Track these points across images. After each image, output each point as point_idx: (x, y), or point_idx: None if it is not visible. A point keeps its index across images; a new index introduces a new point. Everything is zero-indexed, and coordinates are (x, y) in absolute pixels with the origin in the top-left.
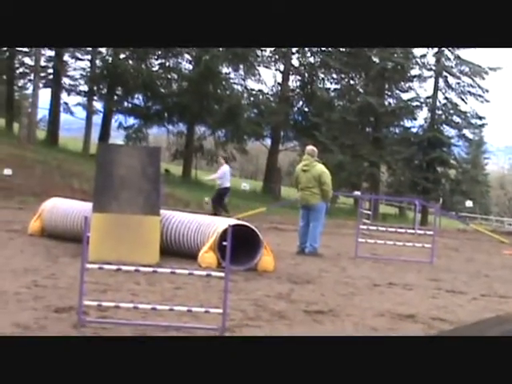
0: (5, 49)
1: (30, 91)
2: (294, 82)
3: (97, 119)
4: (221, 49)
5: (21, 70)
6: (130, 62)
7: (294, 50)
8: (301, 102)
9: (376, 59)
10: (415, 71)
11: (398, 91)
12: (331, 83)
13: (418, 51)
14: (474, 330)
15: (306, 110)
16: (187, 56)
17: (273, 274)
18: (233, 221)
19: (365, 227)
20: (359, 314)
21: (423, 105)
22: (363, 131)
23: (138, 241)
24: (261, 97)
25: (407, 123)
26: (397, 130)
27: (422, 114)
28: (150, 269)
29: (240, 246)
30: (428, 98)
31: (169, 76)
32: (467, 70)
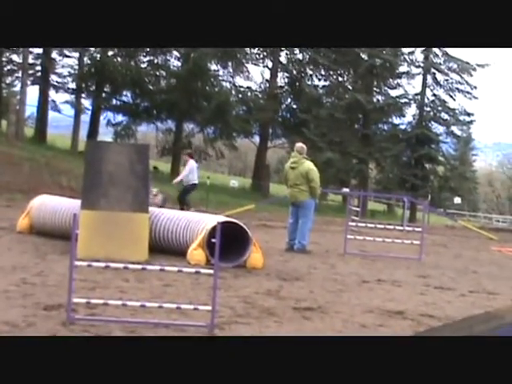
0: None
1: (17, 88)
2: (282, 78)
3: (85, 117)
4: None
5: (8, 67)
6: (119, 59)
7: None
8: (289, 99)
9: (364, 56)
10: (403, 68)
11: (386, 88)
12: (319, 80)
13: (406, 48)
14: (462, 327)
15: (295, 106)
16: (176, 53)
17: (262, 271)
18: (222, 218)
19: (353, 224)
20: (348, 311)
21: (411, 102)
22: (352, 128)
23: (127, 238)
24: (249, 94)
25: (395, 120)
26: (385, 127)
27: (411, 111)
28: (139, 266)
29: (229, 243)
30: (416, 94)
31: (157, 73)
32: (455, 66)
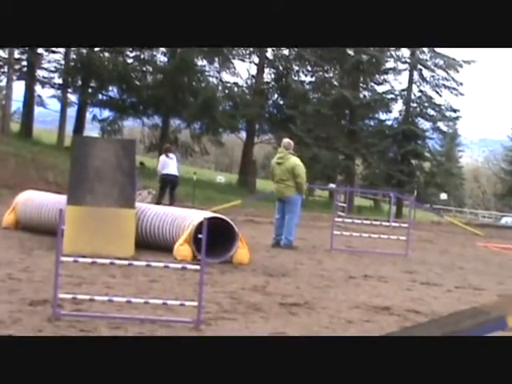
0: None
1: (3, 84)
2: (268, 74)
3: (71, 112)
4: None
5: None
6: (105, 54)
7: None
8: (276, 95)
9: (351, 52)
10: (390, 64)
11: (372, 84)
12: (306, 76)
13: None
14: (448, 322)
15: (281, 102)
16: (162, 49)
17: (248, 267)
18: (208, 214)
19: (340, 220)
20: (335, 307)
21: (398, 97)
22: (338, 124)
23: (113, 234)
24: (236, 89)
25: (382, 116)
26: (372, 123)
27: (397, 107)
28: (126, 262)
29: (215, 239)
30: (403, 90)
31: (144, 68)
32: (442, 63)
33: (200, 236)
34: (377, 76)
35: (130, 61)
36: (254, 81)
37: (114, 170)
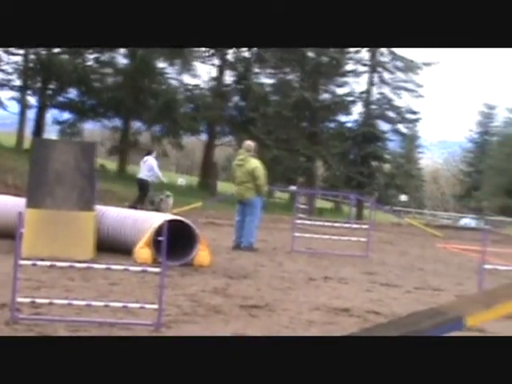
0: None
1: None
2: (229, 76)
3: (31, 114)
4: None
5: None
6: (65, 56)
7: None
8: (236, 97)
9: (311, 54)
10: (350, 66)
11: (333, 86)
12: (266, 78)
13: None
14: (407, 323)
15: (242, 104)
16: (122, 50)
17: (209, 269)
18: (169, 216)
19: (301, 222)
20: (295, 308)
21: (358, 100)
22: (299, 126)
23: (73, 237)
24: (197, 92)
25: (342, 118)
26: (332, 125)
27: (357, 109)
28: (85, 265)
29: (176, 242)
30: (363, 93)
31: (104, 70)
32: (401, 65)
33: (160, 238)
34: (337, 78)
35: (89, 63)
36: (214, 83)
37: (74, 173)
